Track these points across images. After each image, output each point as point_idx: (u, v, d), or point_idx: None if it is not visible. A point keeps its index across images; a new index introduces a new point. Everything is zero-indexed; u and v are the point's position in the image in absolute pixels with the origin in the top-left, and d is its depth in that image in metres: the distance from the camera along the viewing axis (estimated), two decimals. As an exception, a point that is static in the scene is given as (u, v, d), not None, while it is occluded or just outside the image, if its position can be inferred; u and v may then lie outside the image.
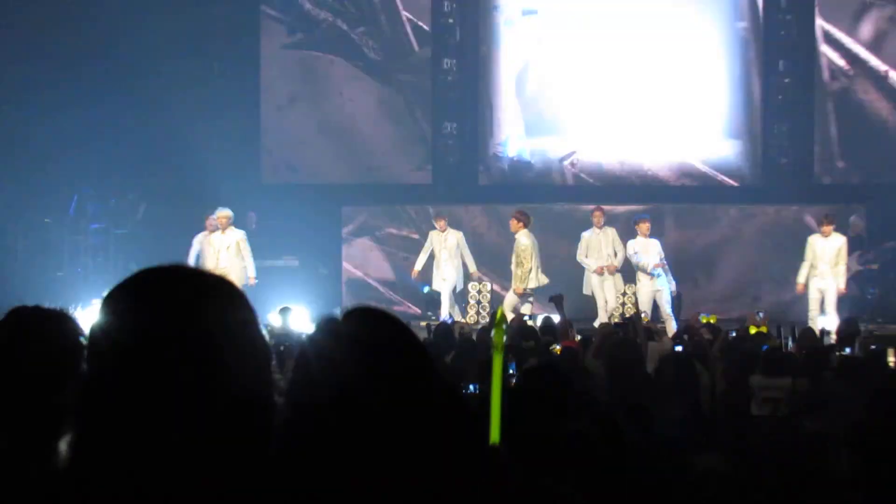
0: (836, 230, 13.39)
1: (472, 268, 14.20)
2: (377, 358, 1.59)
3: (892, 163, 15.75)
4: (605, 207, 14.25)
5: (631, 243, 13.51)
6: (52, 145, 14.34)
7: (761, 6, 16.13)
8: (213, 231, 13.28)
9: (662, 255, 13.48)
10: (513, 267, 13.35)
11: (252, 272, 13.31)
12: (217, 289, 1.35)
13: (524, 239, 13.26)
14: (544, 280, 13.27)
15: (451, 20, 16.45)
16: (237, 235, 13.32)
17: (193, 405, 1.27)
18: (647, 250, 13.39)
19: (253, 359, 1.33)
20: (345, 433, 1.54)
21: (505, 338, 2.31)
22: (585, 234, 13.84)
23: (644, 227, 13.47)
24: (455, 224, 14.67)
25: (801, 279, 13.36)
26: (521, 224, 13.34)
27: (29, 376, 2.29)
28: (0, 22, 13.94)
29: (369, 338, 1.62)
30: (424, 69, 16.55)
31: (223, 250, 13.13)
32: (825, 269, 13.18)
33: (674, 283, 13.56)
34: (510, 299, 13.26)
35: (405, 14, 16.46)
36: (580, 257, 13.84)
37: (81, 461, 1.31)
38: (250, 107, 16.44)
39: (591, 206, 14.27)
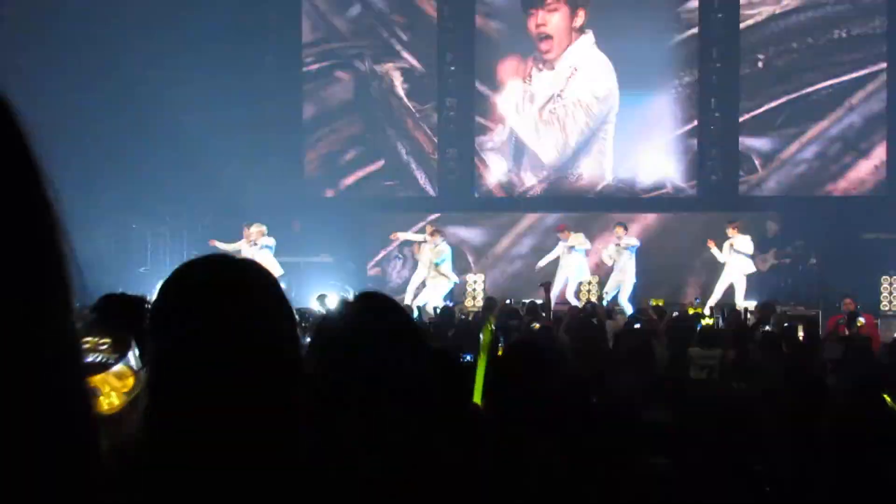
0: (744, 232, 13.50)
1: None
2: (375, 320, 1.76)
3: (799, 181, 15.82)
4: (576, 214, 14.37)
5: (611, 245, 13.65)
6: (138, 161, 14.31)
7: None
8: (250, 243, 13.13)
9: (629, 247, 13.42)
10: (432, 260, 13.28)
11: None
12: (248, 267, 1.36)
13: (445, 247, 13.34)
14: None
15: (452, 67, 16.38)
16: (267, 242, 13.20)
17: (236, 355, 1.26)
18: (621, 248, 13.42)
19: (279, 320, 1.32)
20: (352, 379, 1.67)
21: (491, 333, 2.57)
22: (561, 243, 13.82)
23: (618, 230, 13.56)
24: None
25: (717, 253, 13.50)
26: (443, 235, 13.51)
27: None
28: (106, 62, 13.36)
29: (371, 309, 1.80)
30: (432, 106, 16.55)
31: (255, 255, 12.91)
32: (733, 262, 13.30)
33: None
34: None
35: (412, 61, 16.45)
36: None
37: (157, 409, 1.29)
38: (295, 139, 16.44)
39: (560, 218, 14.51)
